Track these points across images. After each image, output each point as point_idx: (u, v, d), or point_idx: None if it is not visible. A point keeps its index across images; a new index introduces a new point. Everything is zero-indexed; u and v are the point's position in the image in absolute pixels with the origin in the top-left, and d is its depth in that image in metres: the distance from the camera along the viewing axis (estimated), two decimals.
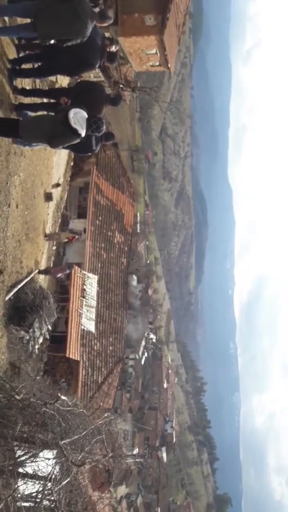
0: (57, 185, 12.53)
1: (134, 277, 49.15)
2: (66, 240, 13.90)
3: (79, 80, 7.81)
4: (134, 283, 49.37)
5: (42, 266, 11.68)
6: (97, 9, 5.65)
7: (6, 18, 6.15)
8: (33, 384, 7.67)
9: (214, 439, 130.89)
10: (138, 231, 59.41)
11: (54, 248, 13.88)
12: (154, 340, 68.02)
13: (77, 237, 14.85)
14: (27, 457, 5.85)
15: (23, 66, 6.69)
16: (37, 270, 10.88)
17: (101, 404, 15.58)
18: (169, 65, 20.63)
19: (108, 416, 8.55)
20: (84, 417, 7.46)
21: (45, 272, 12.39)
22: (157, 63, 20.66)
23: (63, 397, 7.03)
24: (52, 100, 6.93)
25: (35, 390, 7.02)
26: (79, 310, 17.37)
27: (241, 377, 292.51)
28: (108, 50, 6.18)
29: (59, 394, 6.91)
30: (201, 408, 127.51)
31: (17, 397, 6.07)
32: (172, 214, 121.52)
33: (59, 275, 13.84)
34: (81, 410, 7.43)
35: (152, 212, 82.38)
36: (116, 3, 15.51)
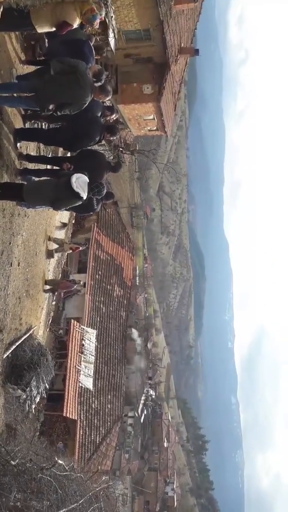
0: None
1: (134, 330, 48.50)
2: (70, 251, 13.81)
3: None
4: (135, 336, 48.65)
5: (42, 322, 11.66)
6: (98, 84, 6.13)
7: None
8: (29, 447, 7.42)
9: (218, 502, 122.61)
10: (137, 284, 59.44)
11: (53, 303, 13.94)
12: (153, 397, 65.72)
13: (80, 248, 14.71)
14: None
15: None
16: (44, 281, 10.96)
17: (99, 467, 14.92)
18: (166, 129, 21.81)
19: (106, 481, 8.21)
20: (82, 482, 7.16)
21: (51, 285, 12.24)
22: (155, 128, 21.87)
23: (60, 461, 6.79)
24: (55, 167, 7.30)
25: (31, 454, 6.78)
26: (77, 366, 17.10)
27: (244, 435, 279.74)
28: (108, 124, 6.64)
29: (56, 458, 6.67)
30: (203, 468, 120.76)
31: (13, 462, 5.85)
32: (170, 266, 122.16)
33: (64, 291, 14.17)
34: (79, 474, 7.15)
35: (151, 265, 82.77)
36: (116, 75, 16.73)
